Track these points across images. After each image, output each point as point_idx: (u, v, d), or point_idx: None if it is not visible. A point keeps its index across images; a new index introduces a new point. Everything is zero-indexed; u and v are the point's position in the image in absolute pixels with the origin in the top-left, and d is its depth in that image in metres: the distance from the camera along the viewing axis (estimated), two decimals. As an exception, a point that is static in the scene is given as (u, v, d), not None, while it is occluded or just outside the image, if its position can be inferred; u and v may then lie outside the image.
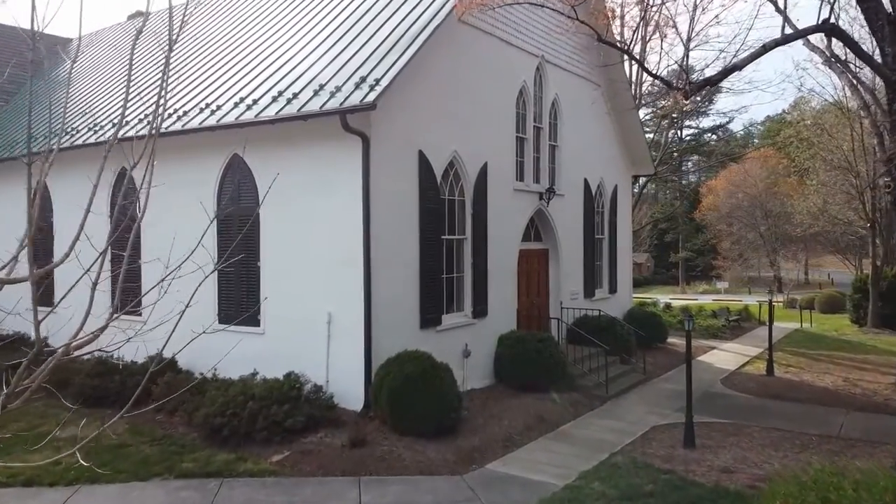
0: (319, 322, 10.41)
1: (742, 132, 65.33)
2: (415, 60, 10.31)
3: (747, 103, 51.28)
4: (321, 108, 9.74)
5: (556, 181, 15.22)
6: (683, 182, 66.25)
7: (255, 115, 10.59)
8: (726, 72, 9.71)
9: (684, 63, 20.87)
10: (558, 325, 14.11)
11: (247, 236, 11.39)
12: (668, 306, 26.99)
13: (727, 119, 61.23)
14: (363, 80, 9.91)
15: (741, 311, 26.67)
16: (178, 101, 12.99)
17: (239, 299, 11.54)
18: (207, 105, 11.90)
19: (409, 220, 10.66)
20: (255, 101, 11.08)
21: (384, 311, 10.09)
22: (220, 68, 13.59)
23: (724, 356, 17.92)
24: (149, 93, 14.08)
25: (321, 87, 10.34)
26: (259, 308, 11.25)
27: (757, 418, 11.71)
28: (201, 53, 15.07)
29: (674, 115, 33.01)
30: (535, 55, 14.15)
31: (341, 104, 9.55)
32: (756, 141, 61.34)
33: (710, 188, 55.19)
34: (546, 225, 15.00)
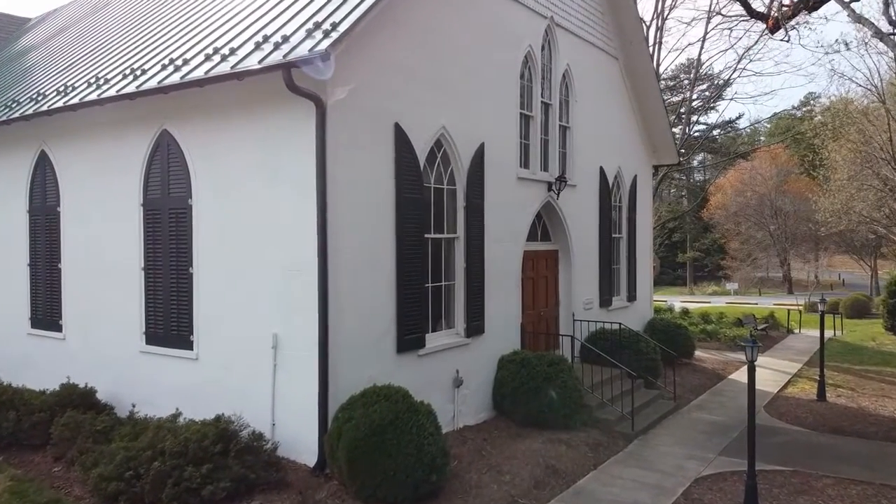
0: (264, 347, 7.97)
1: (748, 129, 63.06)
2: (388, 2, 7.87)
3: (777, 87, 48.46)
4: (260, 62, 7.28)
5: (568, 169, 12.75)
6: (691, 180, 64.18)
7: (181, 78, 8.14)
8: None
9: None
10: (571, 341, 11.63)
11: (177, 235, 8.96)
12: (685, 312, 24.52)
13: (737, 115, 58.94)
14: (317, 26, 7.46)
15: (767, 317, 24.20)
16: (102, 68, 10.55)
17: (168, 315, 9.09)
18: (132, 70, 9.46)
19: (383, 214, 8.20)
20: (185, 62, 8.63)
21: (347, 332, 7.64)
22: (153, 29, 11.17)
23: (761, 374, 15.32)
24: (81, 63, 11.66)
25: (266, 38, 7.90)
26: (191, 327, 8.80)
27: (823, 463, 9.26)
28: (134, 15, 12.66)
29: (682, 111, 30.55)
30: (543, 16, 11.68)
31: (285, 56, 7.10)
32: (762, 139, 59.19)
33: (718, 186, 53.28)
34: (556, 221, 12.54)
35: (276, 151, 7.88)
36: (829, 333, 24.01)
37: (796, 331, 24.13)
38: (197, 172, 8.73)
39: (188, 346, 8.83)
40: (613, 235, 14.59)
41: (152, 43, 10.51)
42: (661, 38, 22.74)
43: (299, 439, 7.67)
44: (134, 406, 8.89)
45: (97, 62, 11.15)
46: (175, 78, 8.25)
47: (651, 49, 21.29)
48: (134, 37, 11.52)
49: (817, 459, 9.49)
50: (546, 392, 9.67)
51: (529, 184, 11.38)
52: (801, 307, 30.78)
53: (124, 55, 10.67)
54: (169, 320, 9.07)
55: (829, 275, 59.12)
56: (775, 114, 61.10)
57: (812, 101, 61.42)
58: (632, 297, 15.34)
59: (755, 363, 7.37)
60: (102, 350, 9.97)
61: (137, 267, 9.44)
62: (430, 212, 9.18)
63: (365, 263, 7.91)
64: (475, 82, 9.94)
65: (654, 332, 15.17)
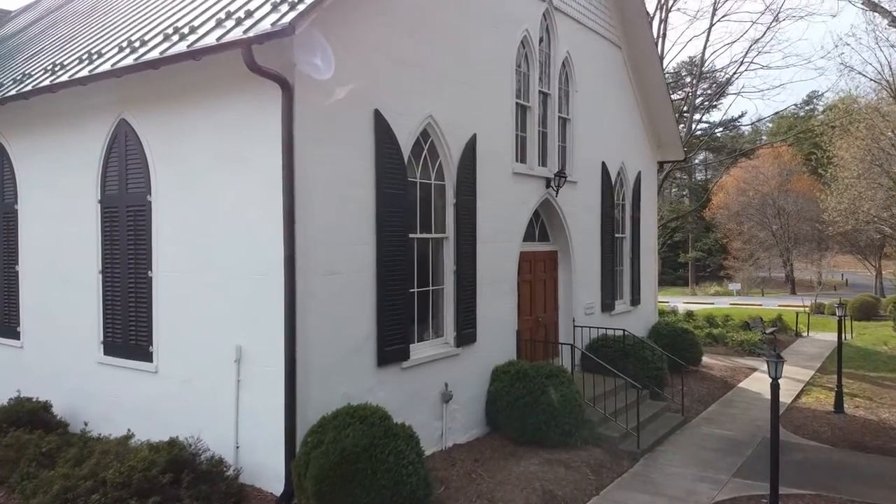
0: (227, 360, 7.12)
1: (752, 126, 62.24)
2: (365, -25, 7.04)
3: (786, 80, 47.52)
4: (218, 40, 6.42)
5: (568, 164, 11.90)
6: (693, 179, 63.40)
7: (136, 59, 7.29)
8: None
9: None
10: (571, 350, 10.77)
11: (135, 235, 8.11)
12: (689, 314, 23.67)
13: (740, 113, 58.09)
14: (284, -1, 6.61)
15: (775, 320, 23.33)
16: (62, 55, 9.71)
17: (126, 323, 8.24)
18: (90, 55, 8.61)
19: (361, 211, 7.35)
20: (143, 43, 7.79)
21: (318, 343, 6.78)
22: (120, 14, 10.36)
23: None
24: (44, 52, 10.82)
25: (228, 14, 7.04)
26: (151, 337, 7.95)
27: (846, 485, 8.42)
28: (107, 2, 11.83)
29: (684, 110, 29.68)
30: (540, -2, 10.84)
31: (246, 32, 6.24)
32: (765, 138, 58.52)
33: (720, 185, 52.62)
34: (555, 220, 11.68)
35: (240, 142, 7.03)
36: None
37: (805, 334, 23.27)
38: (156, 165, 7.89)
39: (147, 357, 7.98)
40: (616, 235, 13.73)
41: (117, 27, 9.67)
42: (664, 30, 21.90)
43: (265, 464, 6.82)
44: (86, 424, 8.06)
45: (59, 50, 10.30)
46: (129, 60, 7.40)
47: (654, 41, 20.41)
48: (101, 23, 10.67)
49: (839, 480, 8.65)
50: (544, 407, 8.82)
51: (526, 179, 10.53)
52: (807, 308, 29.97)
53: (87, 42, 9.82)
54: (127, 329, 8.23)
55: (832, 275, 58.37)
56: (777, 112, 60.27)
57: (815, 100, 60.81)
58: (635, 300, 14.49)
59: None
60: (60, 360, 9.14)
61: (95, 270, 8.60)
62: (416, 209, 8.33)
63: (340, 266, 7.05)
64: (466, 68, 9.09)
65: (659, 338, 14.32)
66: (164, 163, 7.81)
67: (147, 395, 7.97)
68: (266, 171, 6.67)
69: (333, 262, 6.94)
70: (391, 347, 7.66)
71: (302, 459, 6.23)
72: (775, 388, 6.34)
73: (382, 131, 7.52)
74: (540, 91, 11.03)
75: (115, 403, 8.34)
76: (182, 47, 6.78)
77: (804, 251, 50.81)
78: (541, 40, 11.01)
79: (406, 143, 7.92)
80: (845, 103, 27.33)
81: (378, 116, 7.47)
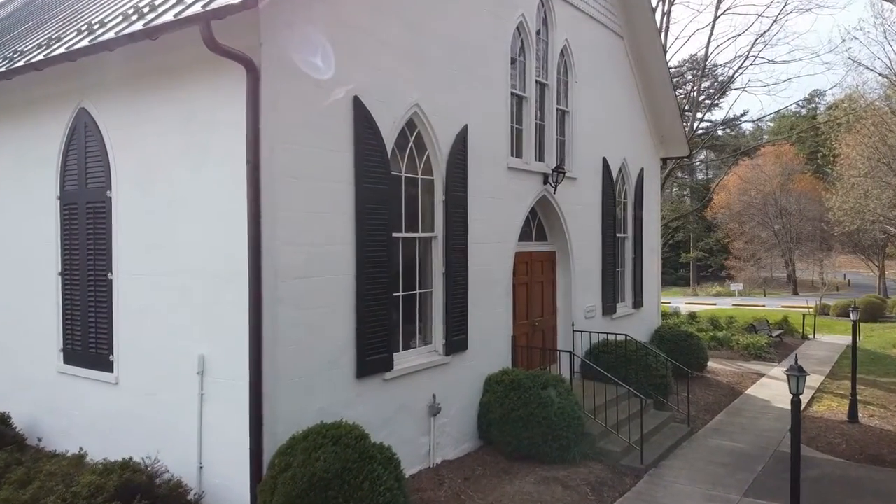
0: (190, 371, 6.46)
1: (755, 123, 61.62)
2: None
3: (793, 74, 46.61)
4: (176, 16, 5.76)
5: (567, 159, 11.24)
6: (694, 179, 62.78)
7: (91, 41, 6.63)
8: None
9: None
10: (570, 357, 10.10)
11: (95, 234, 7.45)
12: (692, 316, 23.01)
13: (742, 112, 57.38)
14: (251, -30, 5.93)
15: (781, 322, 22.67)
16: (25, 43, 9.04)
17: (86, 329, 7.58)
18: (49, 40, 7.95)
19: (338, 208, 6.68)
20: (102, 24, 7.12)
21: (289, 354, 6.12)
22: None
23: (780, 388, 13.89)
24: (10, 42, 10.15)
25: (191, -10, 6.38)
26: (111, 344, 7.30)
27: (869, 507, 7.78)
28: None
29: (686, 108, 29.01)
30: (537, -18, 10.18)
31: (205, 6, 5.58)
32: (766, 137, 57.97)
33: (722, 185, 52.11)
34: (553, 218, 11.02)
35: (203, 131, 6.37)
36: (846, 339, 22.56)
37: (811, 336, 22.60)
38: (116, 159, 7.23)
39: (107, 367, 7.33)
40: (618, 235, 13.07)
41: (83, 13, 9.00)
42: (667, 23, 21.22)
43: (230, 487, 6.16)
44: (40, 440, 7.43)
45: (23, 39, 9.63)
46: (84, 43, 6.73)
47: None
48: (72, 9, 10.00)
49: (859, 500, 8.01)
50: (540, 420, 8.16)
51: (522, 175, 9.86)
52: (811, 309, 29.31)
53: (53, 29, 9.15)
54: (87, 336, 7.57)
55: (834, 275, 57.79)
56: (778, 111, 59.53)
57: (817, 98, 60.15)
58: (638, 303, 13.83)
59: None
60: (20, 369, 8.49)
61: (55, 272, 7.94)
62: (401, 206, 7.66)
63: (314, 269, 6.38)
64: (457, 54, 8.42)
65: (663, 342, 13.67)
66: (124, 155, 7.15)
67: (107, 409, 7.31)
68: (230, 163, 6.02)
69: (306, 265, 6.28)
70: (372, 357, 7.00)
71: (269, 484, 5.57)
72: (796, 406, 5.69)
73: (363, 120, 6.85)
74: (537, 81, 10.37)
75: (75, 417, 7.69)
76: (138, 26, 6.12)
77: (806, 251, 50.40)
78: (538, 32, 10.35)
79: (390, 134, 7.26)
80: (849, 101, 26.67)
81: (358, 104, 6.80)
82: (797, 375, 5.61)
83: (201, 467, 6.38)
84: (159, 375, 6.78)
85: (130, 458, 6.06)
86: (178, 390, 6.57)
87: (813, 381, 14.93)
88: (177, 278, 6.61)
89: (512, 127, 9.72)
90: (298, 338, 6.20)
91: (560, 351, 10.62)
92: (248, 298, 5.82)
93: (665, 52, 20.29)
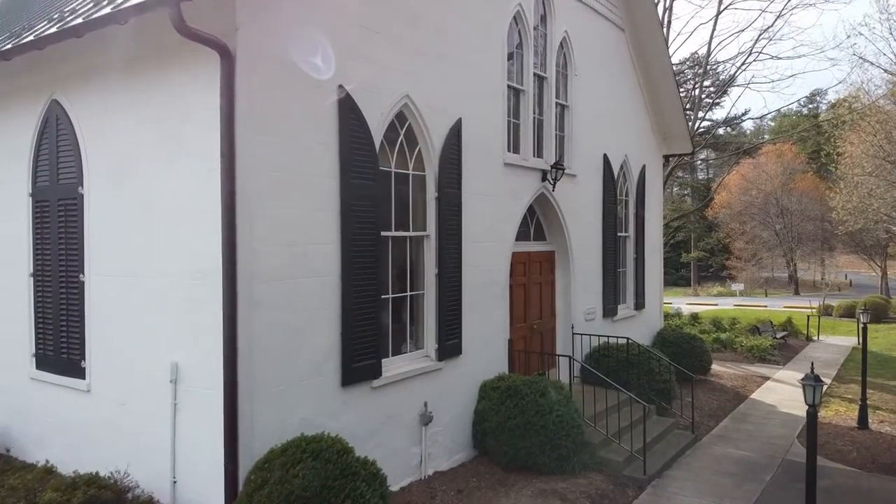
0: (162, 379, 6.05)
1: (757, 120, 61.17)
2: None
3: (797, 70, 46.24)
4: (145, -2, 5.35)
5: (566, 155, 10.83)
6: (695, 178, 62.36)
7: (59, 28, 6.22)
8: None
9: None
10: (569, 362, 9.69)
11: (66, 232, 7.04)
12: (694, 317, 22.60)
13: (744, 111, 56.92)
14: (226, -51, 5.53)
15: (785, 323, 22.25)
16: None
17: (58, 333, 7.17)
18: (22, 30, 7.54)
19: (322, 205, 6.27)
20: (73, 11, 6.71)
21: (267, 361, 5.71)
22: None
23: (786, 392, 13.50)
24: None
25: (164, -28, 5.96)
26: (83, 350, 6.89)
27: (886, 521, 7.37)
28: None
29: (687, 108, 28.56)
30: (535, -30, 9.76)
31: (175, -14, 5.17)
32: (766, 136, 57.58)
33: (723, 184, 51.79)
34: (551, 217, 10.61)
35: (177, 122, 5.96)
36: (851, 341, 22.16)
37: (815, 338, 22.20)
38: (88, 152, 6.82)
39: (79, 374, 6.92)
40: (619, 234, 12.65)
41: (58, 1, 8.59)
42: (669, 18, 20.80)
43: (208, 503, 5.75)
44: (8, 451, 7.03)
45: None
46: (53, 29, 6.33)
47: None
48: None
49: (875, 513, 7.60)
50: (538, 429, 7.75)
51: (519, 171, 9.45)
52: (814, 310, 28.90)
53: (25, 20, 8.74)
54: (59, 341, 7.16)
55: (836, 275, 57.41)
56: (779, 109, 59.02)
57: (818, 97, 59.73)
58: (640, 304, 13.41)
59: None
60: (-8, 375, 8.08)
61: (26, 272, 7.53)
62: (391, 203, 7.25)
63: (295, 269, 5.98)
64: (450, 43, 8.01)
65: (665, 345, 13.27)
66: (97, 149, 6.74)
67: (79, 418, 6.91)
68: (204, 156, 5.61)
69: (286, 265, 5.87)
70: (359, 363, 6.59)
71: (244, 502, 5.16)
72: (812, 418, 5.27)
73: (349, 111, 6.44)
74: (535, 74, 9.96)
75: (48, 425, 7.29)
76: (107, 9, 5.71)
77: (808, 251, 50.09)
78: (536, 24, 9.93)
79: (378, 127, 6.85)
80: (853, 98, 26.25)
81: (343, 94, 6.39)
82: (813, 385, 5.18)
83: (175, 482, 5.97)
84: (132, 383, 6.37)
85: (96, 473, 5.67)
86: (151, 399, 6.16)
87: (819, 384, 14.53)
88: (149, 280, 6.20)
89: (509, 121, 9.31)
90: (278, 344, 5.80)
91: (559, 355, 10.20)
92: (223, 303, 5.41)
93: (667, 45, 19.89)
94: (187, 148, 5.85)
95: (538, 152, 10.10)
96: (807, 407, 5.41)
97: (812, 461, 5.55)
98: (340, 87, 6.37)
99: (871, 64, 34.40)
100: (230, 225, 5.40)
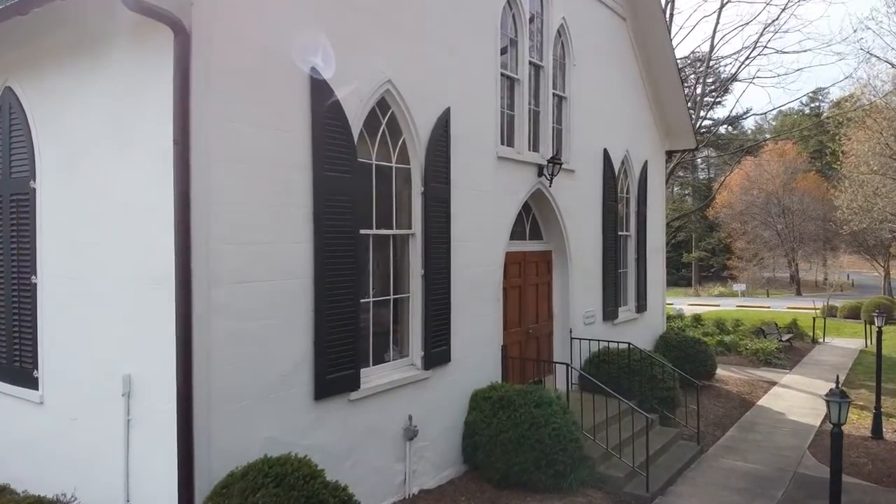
0: (115, 392, 5.46)
1: (755, 124, 60.71)
2: None
3: (804, 64, 45.55)
4: (88, -35, 4.77)
5: (564, 149, 10.24)
6: (696, 178, 61.79)
7: (3, 6, 5.63)
8: None
9: None
10: (567, 369, 9.10)
11: (18, 231, 6.46)
12: (697, 319, 22.00)
13: (745, 110, 56.42)
14: (180, -87, 4.94)
15: (790, 325, 21.66)
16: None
17: (10, 340, 6.59)
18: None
19: (292, 201, 5.69)
20: (22, -12, 6.13)
21: (227, 373, 5.13)
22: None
23: (794, 399, 12.92)
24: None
25: (116, -59, 5.38)
26: (35, 358, 6.30)
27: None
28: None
29: (689, 107, 27.93)
30: (531, -48, 9.17)
31: (119, -48, 4.59)
32: (767, 136, 57.09)
33: (724, 184, 51.29)
34: (548, 214, 10.02)
35: (129, 109, 5.36)
36: (857, 343, 21.58)
37: (821, 340, 21.61)
38: (41, 143, 6.23)
39: (32, 384, 6.33)
40: (619, 233, 12.06)
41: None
42: (671, 11, 20.21)
43: (161, 532, 5.17)
44: (-49, 470, 6.40)
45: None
46: (-4, 6, 5.74)
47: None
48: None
49: (897, 535, 7.01)
50: (532, 443, 7.17)
51: (514, 166, 8.86)
52: (818, 311, 28.32)
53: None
54: (11, 348, 6.57)
55: (838, 275, 56.87)
56: (779, 107, 58.39)
57: (820, 96, 59.12)
58: (641, 306, 12.83)
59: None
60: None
61: (-20, 274, 6.95)
62: (371, 199, 6.67)
63: (260, 271, 5.39)
64: (438, 25, 7.43)
65: (669, 349, 12.68)
66: (49, 140, 6.16)
67: (32, 432, 6.33)
68: (157, 144, 5.02)
69: (250, 267, 5.29)
70: (334, 374, 6.00)
71: (198, 533, 4.59)
72: (837, 439, 4.70)
73: (322, 97, 5.86)
74: (531, 62, 9.37)
75: (3, 440, 6.70)
76: (49, -18, 5.13)
77: (810, 251, 49.62)
78: (532, 14, 9.34)
79: (356, 115, 6.26)
80: (858, 95, 25.66)
81: (316, 76, 5.80)
82: (839, 401, 4.60)
83: (128, 503, 5.40)
84: (84, 396, 5.79)
85: (42, 497, 5.07)
86: (103, 414, 5.57)
87: (828, 390, 13.94)
88: (100, 282, 5.61)
89: (502, 112, 8.73)
90: (240, 354, 5.21)
91: (556, 363, 9.62)
92: (176, 310, 4.82)
93: (670, 35, 19.30)
94: (139, 136, 5.27)
95: (534, 146, 9.52)
96: (831, 426, 4.83)
97: (837, 485, 4.97)
98: (313, 69, 5.78)
99: (879, 59, 33.78)
100: (184, 221, 4.82)
